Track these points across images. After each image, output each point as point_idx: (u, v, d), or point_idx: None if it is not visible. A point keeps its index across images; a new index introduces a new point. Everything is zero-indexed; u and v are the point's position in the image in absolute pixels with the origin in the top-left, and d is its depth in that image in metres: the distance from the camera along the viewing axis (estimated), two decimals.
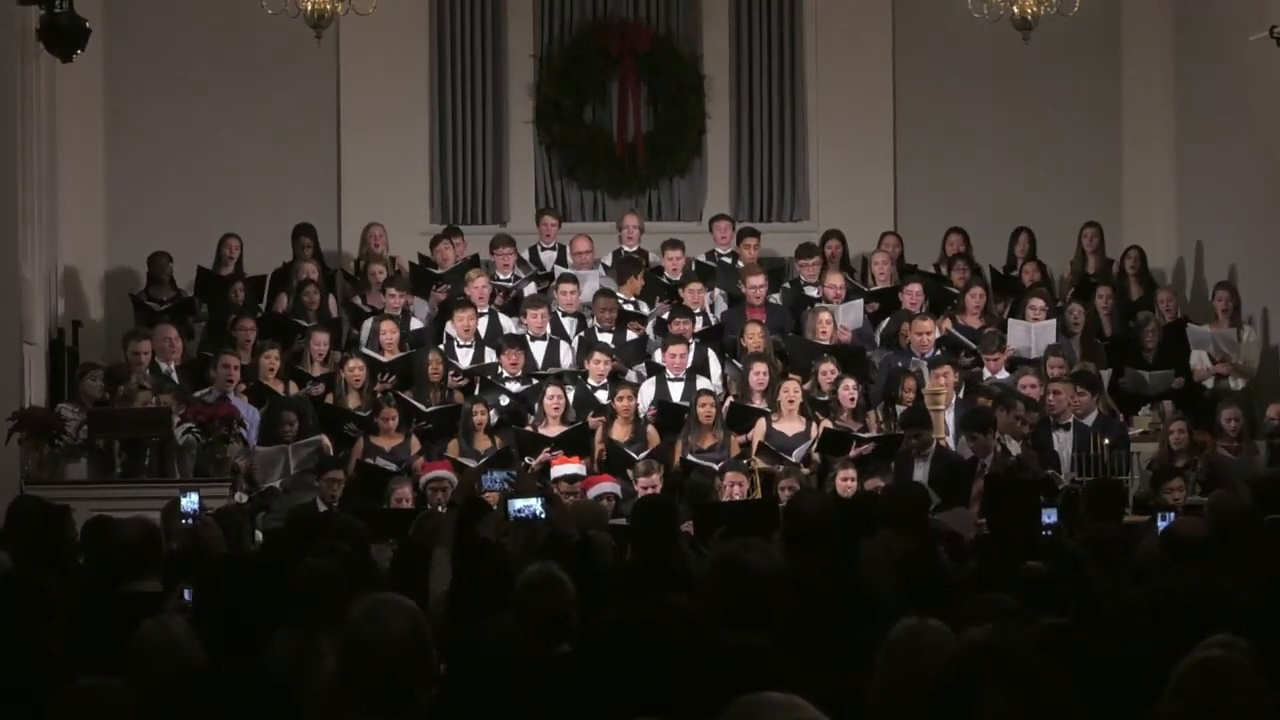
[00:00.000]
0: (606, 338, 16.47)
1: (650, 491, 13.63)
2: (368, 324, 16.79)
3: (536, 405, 15.49)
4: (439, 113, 19.18)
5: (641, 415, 15.47)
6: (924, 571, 6.63)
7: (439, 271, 17.41)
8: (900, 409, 15.50)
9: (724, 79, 19.48)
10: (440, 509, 13.64)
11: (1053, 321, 16.84)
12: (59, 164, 18.07)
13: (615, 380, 15.93)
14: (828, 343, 16.33)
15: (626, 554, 9.20)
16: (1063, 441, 15.20)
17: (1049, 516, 10.52)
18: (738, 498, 13.90)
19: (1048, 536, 10.25)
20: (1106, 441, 14.89)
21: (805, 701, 3.98)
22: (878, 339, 17.15)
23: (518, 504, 11.48)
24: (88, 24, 15.54)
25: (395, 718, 5.15)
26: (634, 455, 14.77)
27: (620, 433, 15.21)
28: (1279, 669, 5.16)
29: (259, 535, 13.13)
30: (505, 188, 19.29)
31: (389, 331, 16.23)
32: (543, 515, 11.26)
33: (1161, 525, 9.67)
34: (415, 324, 16.90)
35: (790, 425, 15.23)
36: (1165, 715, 4.92)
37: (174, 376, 15.74)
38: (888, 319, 17.23)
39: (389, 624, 5.30)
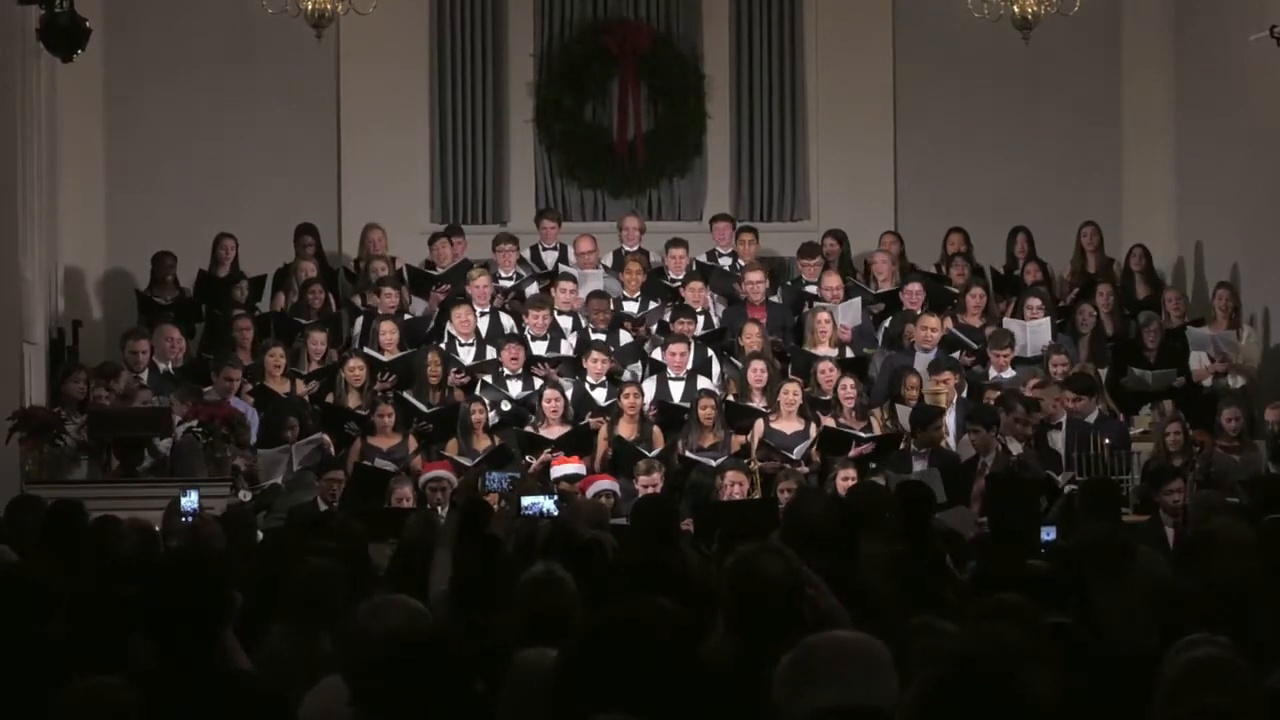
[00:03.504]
0: (600, 338, 16.49)
1: (651, 491, 13.63)
2: (359, 321, 16.80)
3: (537, 406, 15.49)
4: (439, 112, 19.18)
5: (646, 413, 15.47)
6: (916, 572, 6.62)
7: (437, 273, 17.41)
8: (902, 408, 15.53)
9: (724, 78, 19.48)
10: (440, 509, 13.65)
11: (1048, 320, 16.86)
12: (59, 164, 18.08)
13: (612, 380, 15.94)
14: (827, 343, 16.35)
15: (625, 553, 9.19)
16: (1054, 441, 15.19)
17: (1047, 534, 10.37)
18: (738, 497, 13.90)
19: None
20: (1107, 441, 14.89)
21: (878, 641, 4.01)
22: (879, 338, 17.15)
23: (527, 501, 11.54)
24: (88, 24, 15.54)
25: (393, 716, 5.15)
26: (644, 452, 14.76)
27: (626, 430, 15.21)
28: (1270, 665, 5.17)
29: (259, 535, 13.14)
30: (505, 187, 19.29)
31: (388, 332, 16.22)
32: (555, 513, 11.30)
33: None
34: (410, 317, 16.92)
35: (789, 425, 15.24)
36: (1158, 713, 4.93)
37: (172, 374, 15.75)
38: (891, 318, 17.23)
39: (388, 622, 5.30)
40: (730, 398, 15.74)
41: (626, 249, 17.87)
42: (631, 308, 17.11)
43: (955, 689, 3.80)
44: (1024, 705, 3.76)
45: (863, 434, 15.15)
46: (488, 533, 9.54)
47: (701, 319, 16.79)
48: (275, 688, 5.72)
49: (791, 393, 15.28)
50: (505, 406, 15.79)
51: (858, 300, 17.16)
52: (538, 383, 15.85)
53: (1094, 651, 5.86)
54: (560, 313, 16.81)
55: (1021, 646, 4.96)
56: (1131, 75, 19.58)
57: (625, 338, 16.69)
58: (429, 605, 7.60)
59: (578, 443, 15.08)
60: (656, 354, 16.32)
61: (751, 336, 16.27)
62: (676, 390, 15.82)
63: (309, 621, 6.75)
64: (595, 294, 16.88)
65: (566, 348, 16.49)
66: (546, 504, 11.41)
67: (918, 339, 16.48)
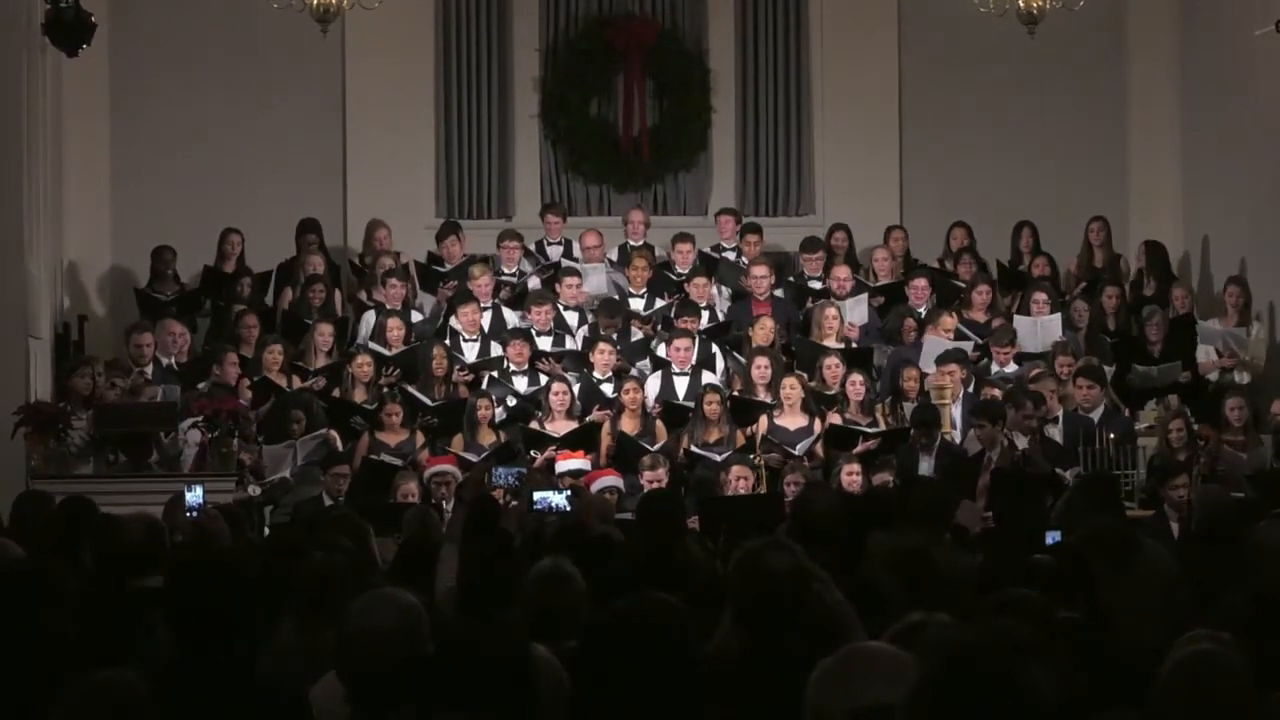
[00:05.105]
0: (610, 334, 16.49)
1: (655, 486, 13.65)
2: (368, 316, 16.81)
3: (543, 401, 15.49)
4: (444, 107, 19.17)
5: (648, 408, 15.48)
6: (923, 569, 6.62)
7: (444, 270, 17.43)
8: (906, 403, 15.53)
9: (729, 73, 19.47)
10: (445, 503, 13.67)
11: (1057, 315, 16.84)
12: (64, 159, 18.08)
13: (619, 376, 15.94)
14: (834, 338, 16.35)
15: (630, 549, 9.19)
16: (1051, 435, 15.17)
17: (1052, 538, 10.35)
18: (743, 492, 13.90)
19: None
20: (1112, 436, 14.88)
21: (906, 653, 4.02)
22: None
23: (538, 496, 11.55)
24: (93, 19, 15.55)
25: (390, 710, 5.15)
26: (647, 447, 14.76)
27: (629, 425, 15.21)
28: (1269, 663, 5.17)
29: (266, 530, 13.16)
30: (510, 182, 19.28)
31: (395, 328, 16.22)
32: (567, 508, 11.31)
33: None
34: (416, 316, 16.92)
35: (793, 420, 15.23)
36: (1157, 709, 4.93)
37: (175, 369, 15.76)
38: (889, 313, 17.22)
39: (381, 618, 5.30)
40: (735, 393, 15.75)
41: (632, 244, 17.88)
42: (637, 303, 17.11)
43: (956, 684, 3.80)
44: (1026, 700, 3.76)
45: (869, 429, 15.16)
46: (500, 528, 9.55)
47: (706, 314, 16.78)
48: (287, 684, 5.73)
49: (790, 386, 15.25)
50: (511, 402, 15.80)
51: (864, 298, 17.16)
52: (543, 378, 15.85)
53: (1101, 647, 5.85)
54: (566, 308, 16.81)
55: (1026, 641, 4.95)
56: (1137, 70, 19.55)
57: (635, 334, 16.69)
58: (435, 601, 7.62)
59: (582, 440, 15.08)
60: (660, 350, 16.32)
61: (765, 331, 16.26)
62: (680, 386, 15.82)
63: (316, 617, 6.75)
64: (606, 305, 16.77)
65: (571, 342, 16.49)
66: (558, 499, 11.43)
67: (938, 335, 16.46)
